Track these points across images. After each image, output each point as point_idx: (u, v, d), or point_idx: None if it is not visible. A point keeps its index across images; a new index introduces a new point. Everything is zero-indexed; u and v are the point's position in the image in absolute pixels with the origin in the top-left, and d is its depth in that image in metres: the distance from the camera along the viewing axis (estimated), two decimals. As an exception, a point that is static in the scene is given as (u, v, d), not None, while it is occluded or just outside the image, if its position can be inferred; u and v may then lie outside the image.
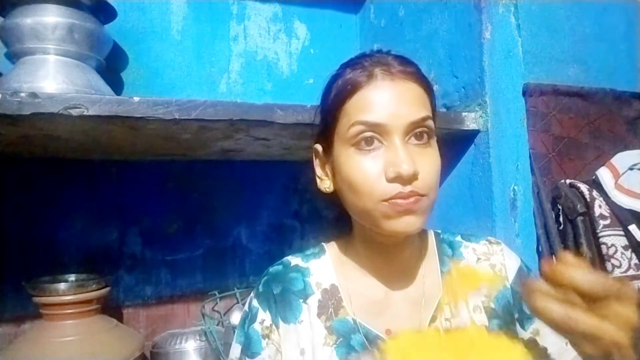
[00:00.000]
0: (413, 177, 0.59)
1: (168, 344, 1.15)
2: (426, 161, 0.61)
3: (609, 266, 1.05)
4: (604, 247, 1.05)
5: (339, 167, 0.64)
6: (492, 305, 0.68)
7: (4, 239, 1.13)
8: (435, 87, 0.90)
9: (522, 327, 0.69)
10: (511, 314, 0.69)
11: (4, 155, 1.09)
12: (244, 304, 1.22)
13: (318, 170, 0.71)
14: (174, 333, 1.19)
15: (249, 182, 1.38)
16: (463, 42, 1.04)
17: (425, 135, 0.62)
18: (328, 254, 0.74)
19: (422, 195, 0.60)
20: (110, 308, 1.14)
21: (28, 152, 1.11)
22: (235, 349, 0.69)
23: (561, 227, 1.09)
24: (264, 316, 0.69)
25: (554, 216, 1.09)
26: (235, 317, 1.15)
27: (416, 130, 0.62)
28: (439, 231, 0.77)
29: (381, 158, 0.60)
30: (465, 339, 0.54)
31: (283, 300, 0.69)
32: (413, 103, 0.62)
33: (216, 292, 1.26)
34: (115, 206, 1.25)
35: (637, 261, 1.04)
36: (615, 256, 1.03)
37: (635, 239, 1.04)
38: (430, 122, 0.63)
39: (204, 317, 1.20)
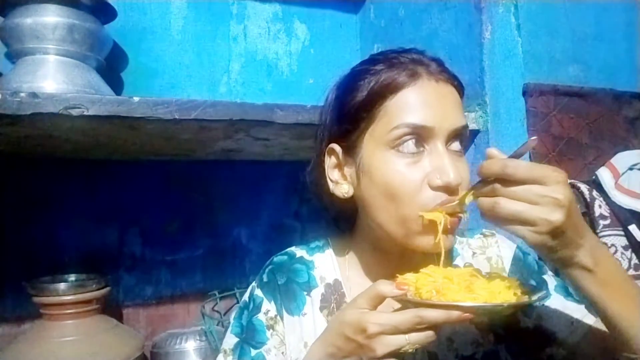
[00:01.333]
0: (457, 188, 0.57)
1: (168, 344, 1.15)
2: (464, 171, 0.59)
3: (609, 266, 1.04)
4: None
5: (373, 171, 0.60)
6: None
7: (4, 239, 1.13)
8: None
9: (525, 315, 0.68)
10: None
11: (4, 155, 1.09)
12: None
13: (333, 174, 0.65)
14: (174, 333, 1.18)
15: (249, 182, 1.38)
16: (463, 42, 1.04)
17: (462, 144, 0.61)
18: (332, 249, 0.73)
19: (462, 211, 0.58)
20: (110, 308, 1.14)
21: (28, 152, 1.11)
22: (230, 339, 0.68)
23: (561, 227, 1.09)
24: (268, 307, 0.68)
25: (554, 216, 1.09)
26: (235, 317, 1.15)
27: (455, 138, 0.60)
28: None
29: (423, 164, 0.57)
30: (466, 275, 0.55)
31: (287, 291, 0.68)
32: (455, 108, 0.60)
33: (216, 292, 1.26)
34: (115, 206, 1.25)
35: (637, 261, 1.04)
36: (615, 256, 1.03)
37: (635, 239, 1.04)
38: (467, 132, 0.62)
39: (204, 317, 1.20)
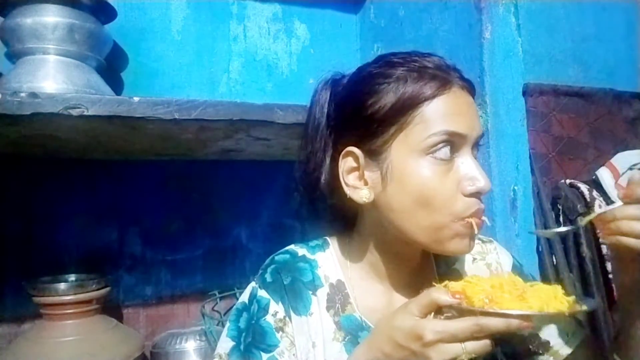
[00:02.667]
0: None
1: (168, 344, 1.15)
2: None
3: (609, 266, 1.05)
4: (603, 247, 1.05)
5: (405, 178, 0.59)
6: None
7: (4, 239, 1.13)
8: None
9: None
10: None
11: (4, 155, 1.09)
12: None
13: (348, 178, 0.63)
14: (174, 333, 1.18)
15: (249, 182, 1.38)
16: (463, 42, 1.04)
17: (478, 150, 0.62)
18: (332, 248, 0.72)
19: None
20: (110, 308, 1.14)
21: (28, 152, 1.11)
22: (225, 343, 0.65)
23: (561, 227, 1.09)
24: (276, 308, 0.65)
25: (554, 216, 1.09)
26: (235, 317, 1.15)
27: (476, 146, 0.61)
28: None
29: (456, 171, 0.59)
30: (511, 283, 0.54)
31: (293, 291, 0.66)
32: (478, 116, 0.62)
33: (216, 292, 1.26)
34: (115, 206, 1.25)
35: (637, 261, 1.04)
36: (615, 256, 1.03)
37: (635, 239, 1.04)
38: None
39: (204, 317, 1.20)
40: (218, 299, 1.27)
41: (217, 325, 1.21)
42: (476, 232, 0.59)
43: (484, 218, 0.59)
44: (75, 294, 0.98)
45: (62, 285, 0.99)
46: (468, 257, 0.72)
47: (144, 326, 1.26)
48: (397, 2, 1.29)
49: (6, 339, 1.10)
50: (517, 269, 0.73)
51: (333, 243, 0.73)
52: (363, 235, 0.69)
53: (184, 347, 1.14)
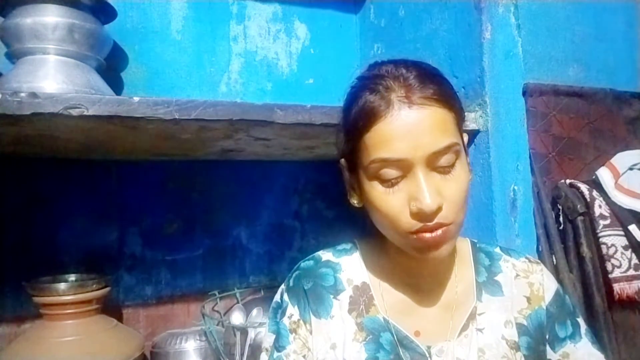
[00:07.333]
0: (437, 212, 0.57)
1: (168, 344, 1.15)
2: (452, 187, 0.59)
3: (609, 266, 1.05)
4: (604, 247, 1.05)
5: (365, 195, 0.63)
6: (525, 323, 0.69)
7: (4, 239, 1.13)
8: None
9: (552, 348, 0.70)
10: (543, 334, 0.69)
11: (4, 155, 1.09)
12: (244, 304, 1.22)
13: (347, 184, 0.69)
14: (174, 333, 1.18)
15: (249, 182, 1.38)
16: (463, 42, 1.04)
17: (450, 160, 0.59)
18: (359, 252, 0.74)
19: (449, 224, 0.59)
20: (110, 308, 1.14)
21: (28, 152, 1.11)
22: (269, 338, 0.70)
23: (561, 227, 1.09)
24: (292, 311, 0.69)
25: (554, 216, 1.09)
26: (236, 317, 1.15)
27: (440, 158, 0.58)
28: (475, 240, 0.77)
29: (404, 190, 0.59)
30: None
31: (314, 296, 0.69)
32: (434, 131, 0.58)
33: (216, 292, 1.26)
34: (115, 206, 1.25)
35: (637, 261, 1.04)
36: (615, 256, 1.04)
37: (635, 239, 1.04)
38: (457, 147, 0.59)
39: (204, 317, 1.20)
40: (218, 299, 1.27)
41: (217, 325, 1.20)
42: (442, 241, 0.59)
43: (439, 232, 0.58)
44: (75, 294, 0.98)
45: (62, 285, 0.99)
46: (512, 273, 0.72)
47: (144, 326, 1.26)
48: (397, 2, 1.29)
49: (6, 339, 1.10)
50: (560, 297, 0.72)
51: (361, 246, 0.74)
52: (384, 238, 0.69)
53: (184, 347, 1.14)
